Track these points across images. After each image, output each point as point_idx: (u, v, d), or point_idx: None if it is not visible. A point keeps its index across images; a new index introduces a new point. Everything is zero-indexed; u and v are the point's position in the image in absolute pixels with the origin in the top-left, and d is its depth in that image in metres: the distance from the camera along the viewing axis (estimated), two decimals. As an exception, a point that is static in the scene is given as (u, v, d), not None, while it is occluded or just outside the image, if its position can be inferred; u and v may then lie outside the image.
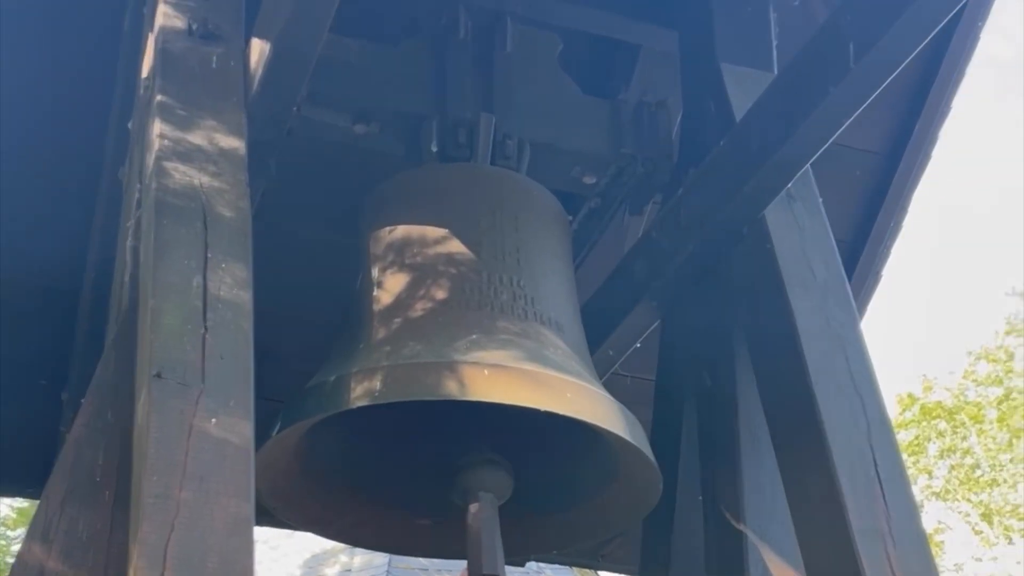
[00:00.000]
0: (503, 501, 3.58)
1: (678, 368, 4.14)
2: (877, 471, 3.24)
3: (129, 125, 4.04)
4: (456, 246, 3.72)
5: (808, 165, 3.70)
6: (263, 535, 10.97)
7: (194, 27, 3.56)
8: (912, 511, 3.23)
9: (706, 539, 3.85)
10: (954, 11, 3.12)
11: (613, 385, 3.83)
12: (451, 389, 3.27)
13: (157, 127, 3.32)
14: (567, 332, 3.70)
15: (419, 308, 3.60)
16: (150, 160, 3.31)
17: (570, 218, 4.24)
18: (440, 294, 3.62)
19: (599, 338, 4.17)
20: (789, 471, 3.46)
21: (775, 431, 3.56)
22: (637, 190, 4.30)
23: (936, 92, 5.03)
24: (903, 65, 3.24)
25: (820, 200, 3.88)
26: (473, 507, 3.50)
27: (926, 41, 3.16)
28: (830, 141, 3.51)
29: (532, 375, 3.35)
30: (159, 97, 3.40)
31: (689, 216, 3.91)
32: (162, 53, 3.50)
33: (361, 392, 3.32)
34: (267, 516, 3.68)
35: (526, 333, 3.55)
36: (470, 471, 3.58)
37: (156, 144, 3.29)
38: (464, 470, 3.60)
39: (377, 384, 3.31)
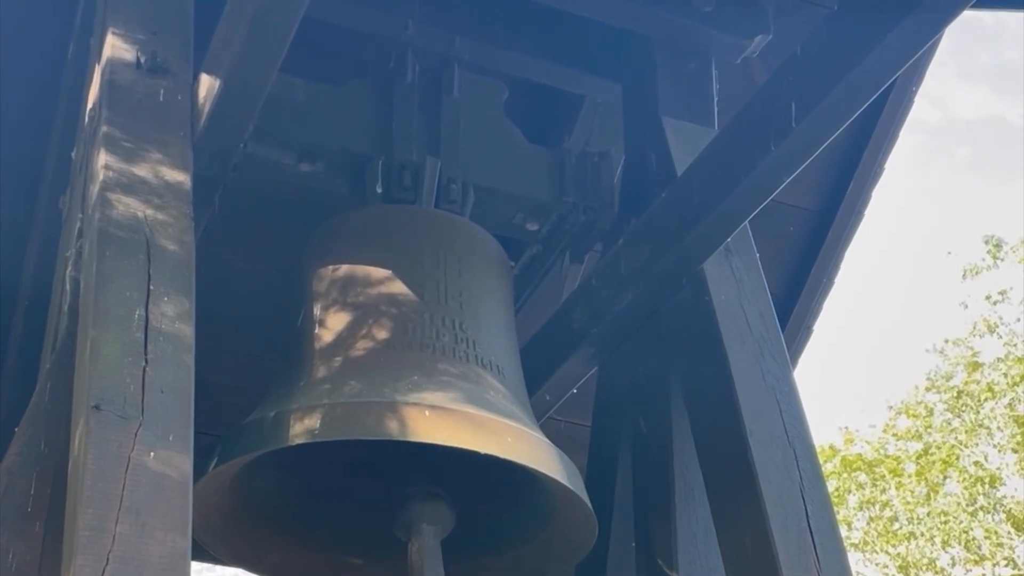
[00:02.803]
0: (445, 535, 3.57)
1: (614, 415, 4.17)
2: (809, 523, 3.30)
3: (72, 154, 4.01)
4: (399, 287, 3.73)
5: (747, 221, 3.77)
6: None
7: (142, 60, 3.55)
8: (843, 563, 3.28)
9: (638, 587, 3.87)
10: (895, 76, 3.21)
11: (548, 430, 3.85)
12: (391, 429, 3.28)
13: (102, 158, 3.31)
14: (507, 376, 3.72)
15: (360, 347, 3.61)
16: (94, 191, 3.29)
17: (512, 263, 4.28)
18: (382, 334, 3.62)
19: (536, 383, 4.19)
20: (723, 521, 3.50)
21: (709, 481, 3.60)
22: (578, 238, 4.34)
23: (870, 153, 5.13)
24: (844, 126, 3.31)
25: (757, 255, 3.95)
26: (415, 540, 3.48)
27: (867, 103, 3.24)
28: (770, 198, 3.57)
29: (472, 418, 3.36)
30: (105, 128, 3.39)
31: (629, 266, 3.95)
32: (109, 84, 3.49)
33: (300, 430, 3.32)
34: (197, 550, 3.64)
35: (467, 376, 3.57)
36: (412, 504, 3.55)
37: (100, 175, 3.27)
38: (406, 503, 3.57)
39: (317, 422, 3.31)
